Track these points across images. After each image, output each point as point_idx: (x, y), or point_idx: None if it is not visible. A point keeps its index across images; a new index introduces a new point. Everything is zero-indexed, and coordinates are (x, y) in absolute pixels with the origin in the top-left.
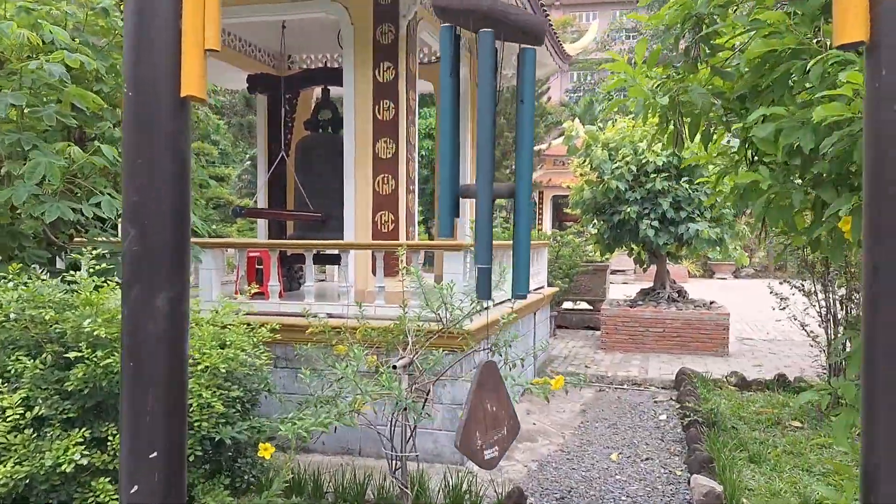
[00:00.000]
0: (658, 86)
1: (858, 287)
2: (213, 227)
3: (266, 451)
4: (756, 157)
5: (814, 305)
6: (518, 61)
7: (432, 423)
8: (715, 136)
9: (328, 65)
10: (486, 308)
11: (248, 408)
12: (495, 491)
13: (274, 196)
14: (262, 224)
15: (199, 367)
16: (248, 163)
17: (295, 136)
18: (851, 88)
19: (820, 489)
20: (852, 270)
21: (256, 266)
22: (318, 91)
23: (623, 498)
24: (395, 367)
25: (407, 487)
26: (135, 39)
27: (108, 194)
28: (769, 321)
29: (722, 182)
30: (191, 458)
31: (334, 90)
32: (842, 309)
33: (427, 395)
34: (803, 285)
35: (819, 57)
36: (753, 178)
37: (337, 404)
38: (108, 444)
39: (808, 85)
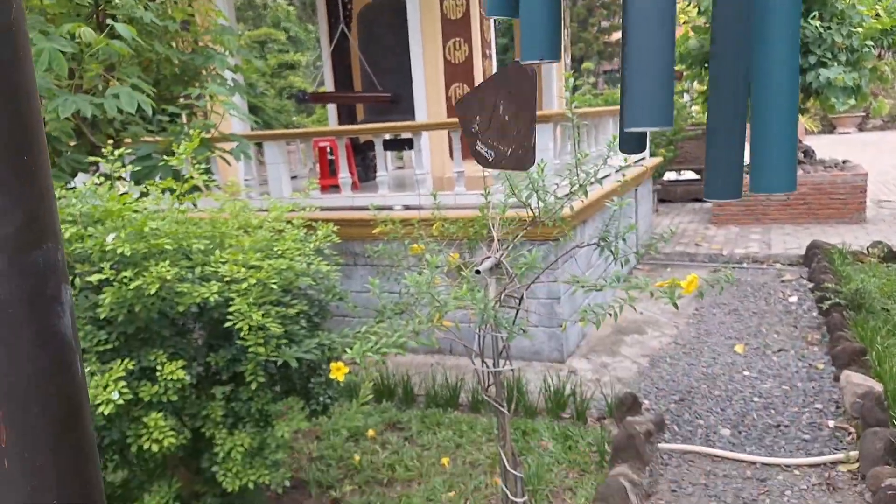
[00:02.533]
0: None
1: None
2: (293, 118)
3: (338, 371)
4: None
5: None
6: None
7: (528, 320)
8: None
9: None
10: (583, 188)
11: (316, 322)
12: (602, 393)
13: (339, 78)
14: (332, 111)
15: (244, 286)
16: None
17: (356, 5)
18: None
19: None
20: None
21: (329, 157)
22: None
23: (755, 398)
24: (478, 271)
25: (503, 406)
26: None
27: (133, 84)
28: None
29: None
30: (252, 387)
31: None
32: None
33: (520, 301)
34: None
35: None
36: None
37: (416, 314)
38: (158, 374)
39: None
